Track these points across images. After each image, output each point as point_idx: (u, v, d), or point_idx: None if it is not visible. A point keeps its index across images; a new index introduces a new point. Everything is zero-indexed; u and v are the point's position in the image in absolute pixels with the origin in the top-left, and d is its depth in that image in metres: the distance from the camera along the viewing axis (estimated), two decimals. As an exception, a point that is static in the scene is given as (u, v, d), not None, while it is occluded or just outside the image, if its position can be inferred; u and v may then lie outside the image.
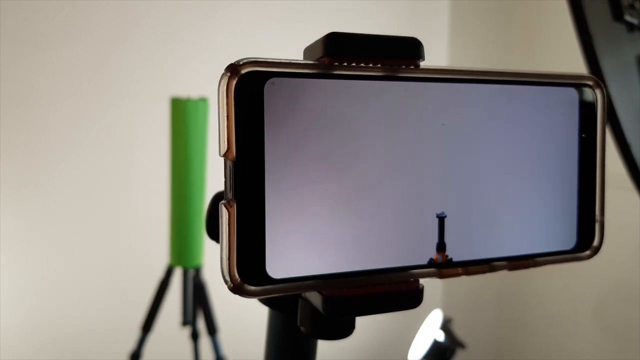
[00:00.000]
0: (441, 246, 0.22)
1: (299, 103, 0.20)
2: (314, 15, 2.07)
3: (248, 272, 0.19)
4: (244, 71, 0.19)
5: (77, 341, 1.76)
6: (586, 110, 0.25)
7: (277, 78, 0.19)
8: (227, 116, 0.19)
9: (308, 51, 0.22)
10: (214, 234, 0.27)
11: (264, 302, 0.29)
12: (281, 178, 0.20)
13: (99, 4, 1.71)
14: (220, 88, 0.19)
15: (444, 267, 0.22)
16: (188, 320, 1.52)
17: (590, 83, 0.24)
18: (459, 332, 1.84)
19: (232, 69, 0.19)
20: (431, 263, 0.22)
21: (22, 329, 1.69)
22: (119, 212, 1.79)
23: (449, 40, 2.40)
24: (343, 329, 0.24)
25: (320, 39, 0.20)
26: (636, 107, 0.87)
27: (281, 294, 0.20)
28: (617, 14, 0.87)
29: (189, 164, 1.45)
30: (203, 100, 1.44)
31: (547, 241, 0.24)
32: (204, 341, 1.53)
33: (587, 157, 0.25)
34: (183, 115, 1.43)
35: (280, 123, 0.19)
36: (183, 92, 1.46)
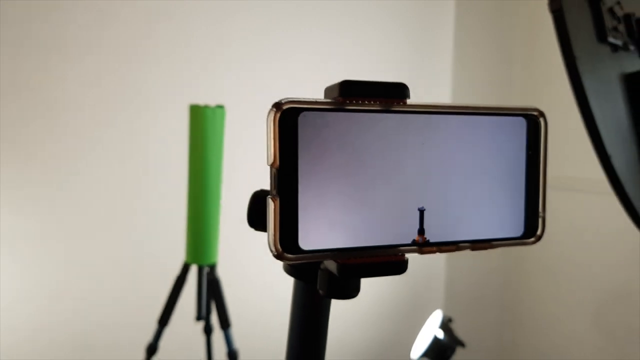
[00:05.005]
0: (421, 231, 0.30)
1: (322, 128, 0.28)
2: (320, 23, 2.15)
3: (286, 245, 0.28)
4: (284, 107, 0.28)
5: (99, 334, 1.83)
6: (532, 133, 0.33)
7: (307, 112, 0.28)
8: (274, 138, 0.27)
9: (328, 90, 0.30)
10: (253, 223, 0.36)
11: (291, 273, 0.37)
12: (309, 180, 0.28)
13: (121, 17, 1.80)
14: (269, 118, 0.28)
15: (423, 246, 0.31)
16: (202, 315, 1.58)
17: (536, 113, 0.33)
18: (460, 332, 1.90)
19: (277, 106, 0.28)
20: (414, 243, 0.30)
21: (49, 324, 1.77)
22: (139, 212, 1.87)
23: (452, 64, 2.47)
24: (350, 291, 0.33)
25: (337, 84, 0.29)
26: (617, 122, 0.95)
27: (309, 261, 0.28)
28: (602, 36, 0.95)
29: (206, 167, 1.50)
30: (220, 107, 1.51)
31: (501, 229, 0.33)
32: (218, 335, 1.59)
33: (532, 168, 0.33)
34: (201, 121, 1.49)
35: (309, 142, 0.28)
36: (201, 100, 1.53)
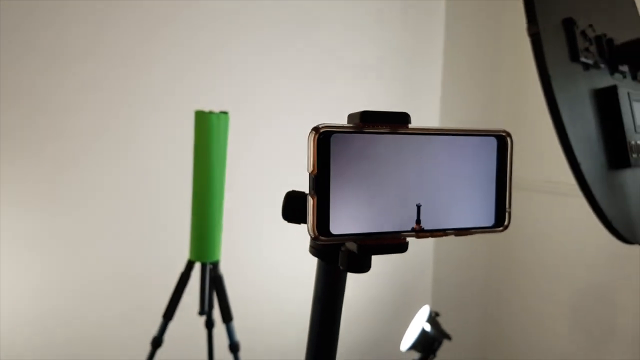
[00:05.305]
0: (418, 221, 0.41)
1: (347, 145, 0.39)
2: (319, 36, 2.25)
3: (321, 230, 0.38)
4: (321, 130, 0.38)
5: (103, 330, 1.91)
6: (501, 148, 0.44)
7: (337, 133, 0.39)
8: (313, 152, 0.38)
9: (350, 117, 0.41)
10: (287, 217, 0.46)
11: (316, 255, 0.48)
12: (338, 183, 0.39)
13: (128, 24, 1.88)
14: (310, 138, 0.38)
15: (419, 232, 0.41)
16: (205, 310, 1.66)
17: (504, 134, 0.44)
18: (447, 326, 1.99)
19: (316, 129, 0.38)
20: (413, 230, 0.41)
21: (52, 320, 1.85)
22: (145, 212, 1.95)
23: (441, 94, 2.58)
24: (364, 266, 0.43)
25: (358, 113, 0.39)
26: (587, 132, 1.06)
27: (336, 242, 0.39)
28: (574, 56, 1.06)
29: (210, 170, 1.59)
30: (224, 113, 1.60)
31: (477, 221, 0.43)
32: (220, 329, 1.67)
33: (501, 174, 0.44)
34: (206, 126, 1.57)
35: (338, 156, 0.38)
36: (206, 106, 1.61)
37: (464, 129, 0.42)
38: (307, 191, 0.40)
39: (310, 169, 0.38)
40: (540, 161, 2.22)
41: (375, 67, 2.38)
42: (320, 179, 0.38)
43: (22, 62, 1.74)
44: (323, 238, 0.38)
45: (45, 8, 1.76)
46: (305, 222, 0.42)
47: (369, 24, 2.35)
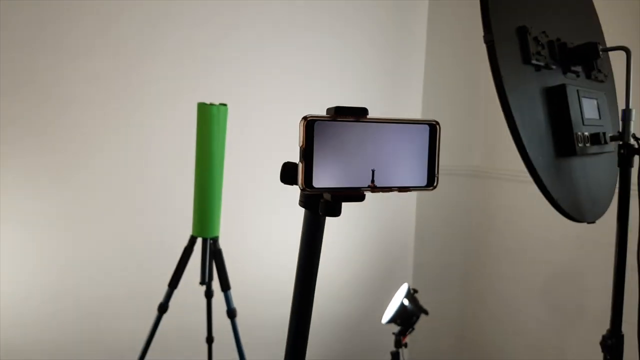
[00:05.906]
0: (372, 181, 0.60)
1: (325, 129, 0.58)
2: (309, 37, 2.42)
3: (307, 184, 0.57)
4: (308, 119, 0.57)
5: (120, 295, 2.08)
6: (432, 132, 0.63)
7: (319, 121, 0.58)
8: (303, 133, 0.57)
9: (328, 110, 0.60)
10: (284, 180, 0.65)
11: (303, 205, 0.66)
12: (319, 154, 0.58)
13: (133, 22, 2.02)
14: (300, 123, 0.57)
15: (373, 188, 0.60)
16: (205, 280, 1.83)
17: (434, 122, 0.63)
18: (428, 304, 2.09)
19: (305, 118, 0.57)
20: (369, 186, 0.60)
21: (63, 293, 2.01)
22: (154, 193, 2.11)
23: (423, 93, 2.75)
24: (336, 211, 0.62)
25: (333, 107, 0.58)
26: (537, 125, 1.21)
27: (317, 193, 0.58)
28: (526, 58, 1.21)
29: (211, 156, 1.74)
30: (223, 105, 1.75)
31: (415, 182, 0.63)
32: (219, 297, 1.83)
33: (432, 150, 0.63)
34: (207, 116, 1.72)
35: (319, 136, 0.57)
36: (208, 99, 1.75)
37: (406, 119, 0.62)
38: (297, 160, 0.59)
39: (301, 144, 0.57)
40: (512, 151, 2.38)
41: (362, 60, 2.55)
42: (307, 151, 0.57)
43: (28, 56, 1.86)
44: (308, 190, 0.57)
45: (51, 3, 1.87)
46: (296, 183, 0.61)
47: (357, 21, 2.52)
